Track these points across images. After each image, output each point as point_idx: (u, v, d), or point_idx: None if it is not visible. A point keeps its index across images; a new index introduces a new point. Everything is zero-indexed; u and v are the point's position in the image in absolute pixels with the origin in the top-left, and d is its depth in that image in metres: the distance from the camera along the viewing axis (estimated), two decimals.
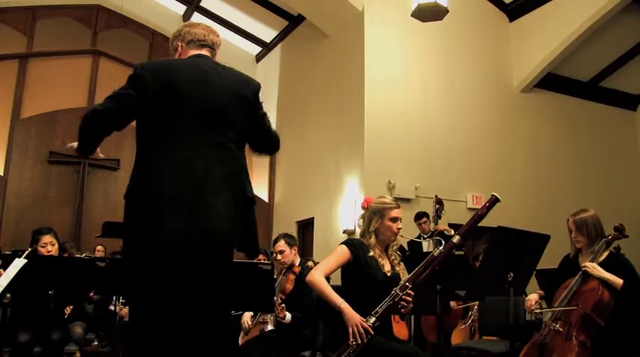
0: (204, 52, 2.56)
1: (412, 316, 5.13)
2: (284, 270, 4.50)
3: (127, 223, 2.29)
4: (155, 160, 2.28)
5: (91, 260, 4.65)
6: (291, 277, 4.47)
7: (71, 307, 4.82)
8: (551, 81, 9.33)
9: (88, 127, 2.35)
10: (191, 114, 2.34)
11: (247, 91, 2.52)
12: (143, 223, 2.22)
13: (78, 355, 4.80)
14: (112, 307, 5.50)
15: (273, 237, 9.91)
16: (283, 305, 4.20)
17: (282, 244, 4.56)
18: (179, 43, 2.59)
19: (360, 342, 2.78)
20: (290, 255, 4.56)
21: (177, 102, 2.33)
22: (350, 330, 2.81)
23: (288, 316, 4.20)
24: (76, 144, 2.45)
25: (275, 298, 4.18)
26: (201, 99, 2.37)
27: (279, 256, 4.55)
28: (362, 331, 2.79)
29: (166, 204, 2.21)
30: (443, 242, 3.01)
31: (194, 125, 2.34)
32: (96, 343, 5.33)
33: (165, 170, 2.25)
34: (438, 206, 6.86)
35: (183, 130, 2.32)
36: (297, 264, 4.57)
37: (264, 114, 2.62)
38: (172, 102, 2.33)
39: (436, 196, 7.01)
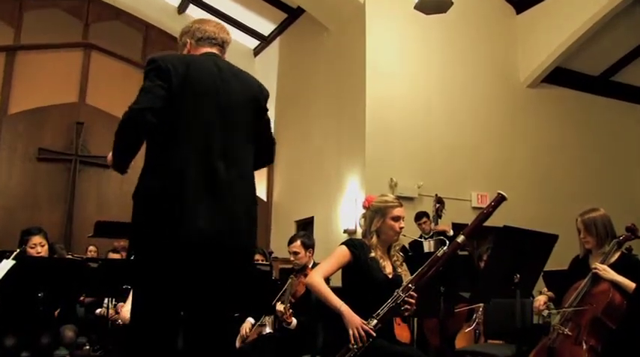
0: (215, 50, 2.57)
1: (415, 319, 5.13)
2: (296, 272, 4.46)
3: (143, 223, 2.27)
4: (174, 159, 2.27)
5: (83, 261, 4.66)
6: (303, 279, 4.42)
7: (59, 309, 4.82)
8: (559, 75, 9.32)
9: (126, 131, 2.25)
10: (210, 113, 2.35)
11: (260, 96, 2.57)
12: (163, 224, 2.22)
13: None
14: (98, 311, 5.49)
15: (272, 237, 10.07)
16: (291, 311, 4.17)
17: (297, 245, 4.51)
18: (188, 40, 2.59)
19: (360, 345, 2.79)
20: (304, 257, 4.51)
21: (196, 99, 2.33)
22: (350, 333, 2.81)
23: (294, 321, 4.17)
24: (110, 156, 2.34)
25: (284, 302, 4.17)
26: (220, 99, 2.39)
27: (292, 257, 4.53)
28: (362, 334, 2.79)
29: (188, 205, 2.23)
30: (447, 242, 3.02)
31: (213, 125, 2.35)
32: (87, 347, 5.32)
33: (185, 170, 2.26)
34: (438, 205, 6.87)
35: (201, 130, 2.33)
36: (310, 266, 4.48)
37: (269, 120, 2.66)
38: (191, 99, 2.32)
39: (436, 195, 7.02)
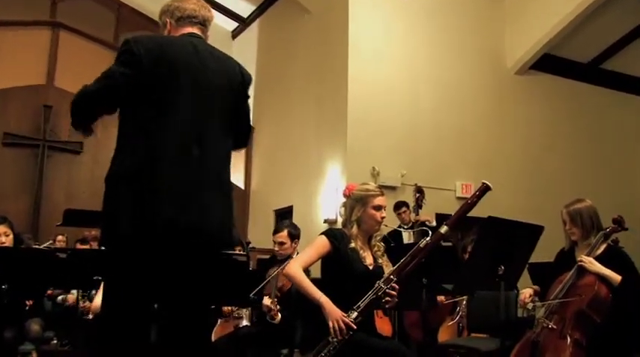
0: (196, 30, 2.56)
1: (395, 312, 5.17)
2: (281, 264, 4.46)
3: (115, 208, 2.26)
4: (146, 144, 2.27)
5: (51, 251, 4.60)
6: None
7: (30, 302, 4.78)
8: (548, 62, 9.36)
9: (77, 110, 2.34)
10: (187, 98, 2.35)
11: (240, 81, 2.56)
12: (135, 210, 2.21)
13: (34, 355, 4.75)
14: (60, 298, 5.43)
15: (249, 226, 10.06)
16: (279, 307, 4.17)
17: (284, 235, 4.52)
18: (167, 20, 2.58)
19: (340, 338, 2.80)
20: (290, 248, 4.53)
21: (173, 84, 2.33)
22: (330, 325, 2.82)
23: (279, 316, 4.19)
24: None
25: (271, 297, 4.18)
26: (198, 83, 2.38)
27: (276, 247, 4.54)
28: (343, 327, 2.80)
29: (163, 193, 2.23)
30: (430, 232, 3.03)
31: (190, 111, 2.35)
32: (55, 341, 5.27)
33: (160, 157, 2.25)
34: (418, 195, 6.91)
35: (176, 115, 2.32)
36: (294, 257, 4.51)
37: (249, 106, 2.68)
38: (167, 83, 2.32)
39: (416, 184, 7.06)
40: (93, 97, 2.31)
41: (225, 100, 2.48)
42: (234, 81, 2.53)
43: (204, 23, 2.59)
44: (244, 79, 2.59)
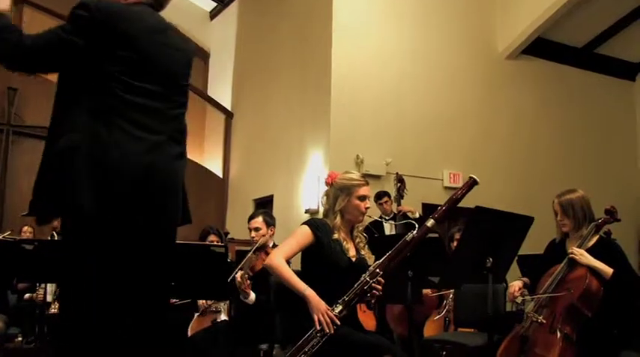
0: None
1: (376, 306, 5.19)
2: (255, 248, 4.51)
3: (70, 179, 2.17)
4: (109, 126, 2.18)
5: (16, 243, 4.56)
6: (263, 256, 4.41)
7: None
8: (540, 46, 9.39)
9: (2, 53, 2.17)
10: (153, 78, 2.30)
11: (192, 58, 2.56)
12: (96, 187, 2.14)
13: None
14: (27, 296, 5.39)
15: (228, 216, 10.05)
16: (250, 282, 4.22)
17: (259, 221, 4.59)
18: None
19: (327, 331, 2.81)
20: (266, 235, 4.59)
21: (138, 61, 2.26)
22: (315, 318, 2.83)
23: (252, 295, 4.24)
24: None
25: (242, 272, 4.22)
26: (163, 62, 2.34)
27: (252, 234, 4.58)
28: (329, 321, 2.81)
29: (125, 175, 2.18)
30: (416, 225, 3.05)
31: (155, 91, 2.30)
32: (20, 338, 5.23)
33: (122, 141, 2.18)
34: (399, 185, 6.90)
35: (143, 94, 2.26)
36: (270, 245, 4.60)
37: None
38: (132, 60, 2.24)
39: (397, 173, 7.06)
40: (26, 54, 2.15)
41: (185, 78, 2.47)
42: (190, 58, 2.52)
43: (160, 9, 2.50)
44: (194, 52, 2.60)
